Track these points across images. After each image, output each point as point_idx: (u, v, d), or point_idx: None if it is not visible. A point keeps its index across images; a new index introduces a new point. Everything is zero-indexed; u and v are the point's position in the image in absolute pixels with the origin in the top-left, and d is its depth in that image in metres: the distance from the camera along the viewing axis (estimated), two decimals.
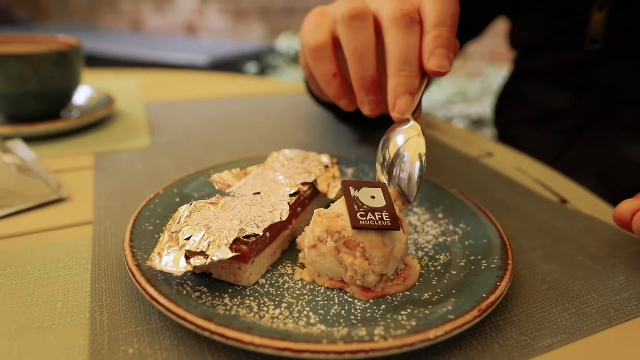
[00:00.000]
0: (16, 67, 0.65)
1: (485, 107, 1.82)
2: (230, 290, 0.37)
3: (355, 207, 0.36)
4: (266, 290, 0.38)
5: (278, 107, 0.92)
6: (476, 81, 2.29)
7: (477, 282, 0.37)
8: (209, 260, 0.35)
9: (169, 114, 0.85)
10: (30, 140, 0.67)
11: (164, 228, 0.41)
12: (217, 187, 0.46)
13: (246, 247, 0.36)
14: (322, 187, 0.48)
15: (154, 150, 0.68)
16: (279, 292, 0.37)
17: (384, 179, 0.42)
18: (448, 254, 0.43)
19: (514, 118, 0.93)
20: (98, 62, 2.74)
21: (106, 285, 0.39)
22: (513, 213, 0.54)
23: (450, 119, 1.90)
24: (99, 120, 0.75)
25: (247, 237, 0.37)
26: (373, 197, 0.37)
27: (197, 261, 0.35)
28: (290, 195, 0.44)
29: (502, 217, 0.53)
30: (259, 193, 0.44)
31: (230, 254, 0.35)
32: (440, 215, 0.50)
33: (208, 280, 0.38)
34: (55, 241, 0.45)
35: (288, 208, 0.41)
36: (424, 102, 0.46)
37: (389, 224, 0.36)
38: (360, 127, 0.78)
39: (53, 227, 0.48)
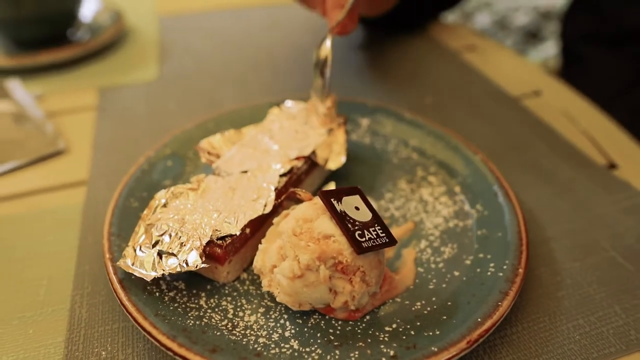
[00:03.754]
0: None
1: None
2: (208, 287, 0.35)
3: (350, 225, 0.31)
4: (246, 288, 0.36)
5: (301, 19, 0.82)
6: None
7: (477, 296, 0.33)
8: (177, 268, 0.32)
9: (182, 32, 0.78)
10: (33, 71, 0.64)
11: (140, 215, 0.38)
12: (203, 161, 0.42)
13: (220, 251, 0.34)
14: (321, 155, 0.43)
15: (160, 85, 0.63)
16: (258, 292, 0.35)
17: (317, 82, 0.44)
18: (455, 246, 0.39)
19: (585, 32, 0.78)
20: None
21: (89, 268, 0.38)
22: (547, 180, 0.47)
23: (514, 10, 1.66)
24: (105, 45, 0.69)
25: (223, 237, 0.34)
26: (357, 209, 0.32)
27: (168, 267, 0.33)
28: (281, 176, 0.39)
29: (533, 186, 0.46)
30: (246, 171, 0.40)
31: (200, 263, 0.32)
32: (457, 189, 0.44)
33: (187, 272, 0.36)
34: (45, 207, 0.44)
35: (274, 197, 0.37)
36: None
37: (387, 240, 0.31)
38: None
39: (46, 188, 0.47)
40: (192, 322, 0.32)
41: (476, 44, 0.73)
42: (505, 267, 0.35)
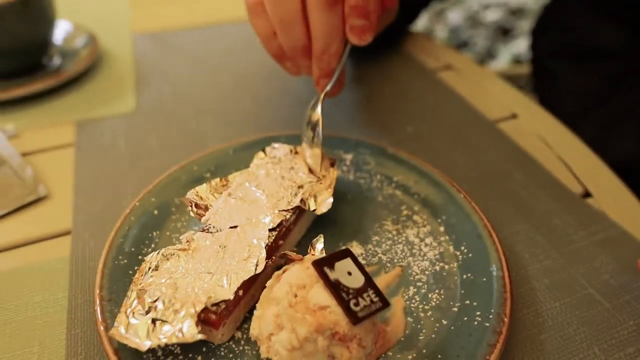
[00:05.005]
0: None
1: None
2: (204, 349, 0.36)
3: (344, 295, 0.31)
4: (241, 348, 0.36)
5: None
6: None
7: (466, 349, 0.35)
8: (173, 339, 0.32)
9: (158, 54, 0.77)
10: (5, 104, 0.63)
11: (130, 273, 0.38)
12: (192, 214, 0.42)
13: (214, 316, 0.34)
14: (308, 202, 0.43)
15: (138, 118, 0.62)
16: (253, 353, 0.36)
17: (309, 134, 0.46)
18: (442, 292, 0.40)
19: (552, 48, 0.80)
20: None
21: (82, 332, 0.38)
22: (525, 212, 0.49)
23: (486, 7, 1.68)
24: (80, 73, 0.68)
25: (217, 303, 0.34)
26: (349, 273, 0.33)
27: (163, 336, 0.33)
28: (270, 230, 0.40)
29: (512, 219, 0.48)
30: (235, 227, 0.40)
31: (196, 334, 0.32)
32: (442, 229, 0.45)
33: None
34: (32, 261, 0.44)
35: (264, 255, 0.37)
36: None
37: (381, 305, 0.32)
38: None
39: (30, 240, 0.46)
40: None
41: (452, 63, 0.74)
42: (491, 316, 0.36)
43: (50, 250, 0.45)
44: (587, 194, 0.52)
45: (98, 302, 0.37)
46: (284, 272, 0.35)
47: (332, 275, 0.32)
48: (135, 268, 0.40)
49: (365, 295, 0.32)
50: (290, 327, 0.31)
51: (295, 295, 0.32)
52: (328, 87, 0.46)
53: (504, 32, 1.59)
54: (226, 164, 0.51)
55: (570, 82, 0.76)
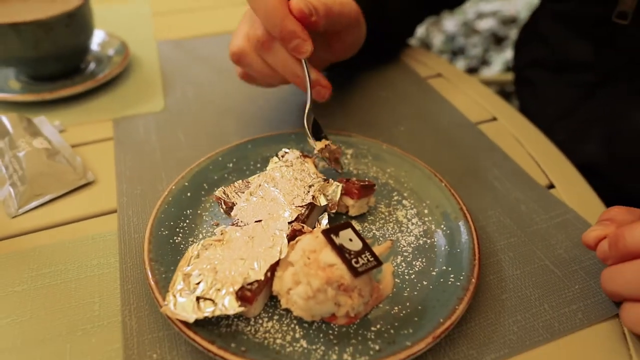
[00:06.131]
0: (27, 33, 0.67)
1: (518, 5, 1.68)
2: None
3: (347, 255, 0.41)
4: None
5: None
6: None
7: (440, 301, 0.44)
8: (217, 312, 0.40)
9: (180, 60, 0.86)
10: (51, 103, 0.72)
11: (170, 242, 0.47)
12: (222, 210, 0.51)
13: (250, 294, 0.41)
14: (319, 198, 0.51)
15: (166, 116, 0.71)
16: (272, 303, 0.45)
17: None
18: (424, 260, 0.49)
19: (531, 59, 0.90)
20: None
21: (132, 287, 0.47)
22: (499, 202, 0.58)
23: (481, 17, 1.78)
24: (115, 77, 0.77)
25: (250, 283, 0.42)
26: (351, 240, 0.42)
27: (207, 312, 0.40)
28: (289, 222, 0.48)
29: (487, 207, 0.57)
30: (260, 221, 0.48)
31: (237, 307, 0.40)
32: (426, 211, 0.54)
33: None
34: (87, 234, 0.53)
35: (287, 242, 0.45)
36: None
37: (375, 263, 0.41)
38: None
39: (84, 216, 0.55)
40: (224, 329, 0.41)
41: (442, 72, 0.83)
42: (462, 277, 0.46)
43: (100, 225, 0.54)
44: (551, 186, 0.61)
45: (147, 262, 0.46)
46: (297, 242, 0.44)
47: (337, 241, 0.41)
48: (175, 237, 0.50)
49: (363, 256, 0.41)
50: (306, 281, 0.40)
51: (308, 258, 0.41)
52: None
53: (498, 41, 1.69)
54: (245, 155, 0.60)
55: (546, 91, 0.86)
